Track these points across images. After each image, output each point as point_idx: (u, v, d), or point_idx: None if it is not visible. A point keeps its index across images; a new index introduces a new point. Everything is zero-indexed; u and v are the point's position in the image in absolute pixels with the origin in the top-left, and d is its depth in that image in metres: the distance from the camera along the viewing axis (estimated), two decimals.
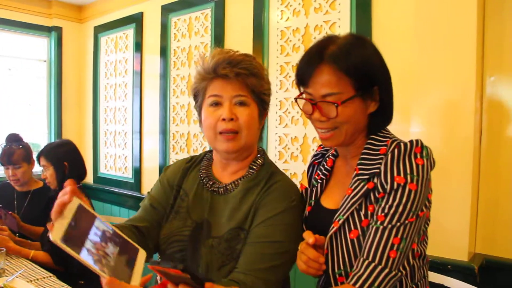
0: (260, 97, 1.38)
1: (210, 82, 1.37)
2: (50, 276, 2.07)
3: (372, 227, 1.15)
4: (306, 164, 2.79)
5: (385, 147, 1.21)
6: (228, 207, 1.35)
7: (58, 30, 4.84)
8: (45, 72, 4.91)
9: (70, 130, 4.95)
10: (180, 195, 1.45)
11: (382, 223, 1.13)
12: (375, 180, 1.18)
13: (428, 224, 1.29)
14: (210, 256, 1.30)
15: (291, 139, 2.89)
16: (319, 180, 1.38)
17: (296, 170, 2.87)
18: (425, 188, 1.14)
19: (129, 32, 4.28)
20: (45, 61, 4.91)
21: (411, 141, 1.18)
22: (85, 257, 0.96)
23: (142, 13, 4.11)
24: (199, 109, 1.44)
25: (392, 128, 2.36)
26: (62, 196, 1.02)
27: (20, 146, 2.98)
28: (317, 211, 1.33)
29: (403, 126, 2.33)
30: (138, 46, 4.14)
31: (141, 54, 4.11)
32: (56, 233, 0.94)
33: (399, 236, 1.12)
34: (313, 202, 1.36)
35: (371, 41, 1.27)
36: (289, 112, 2.89)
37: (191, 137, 3.58)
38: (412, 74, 2.28)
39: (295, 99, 1.29)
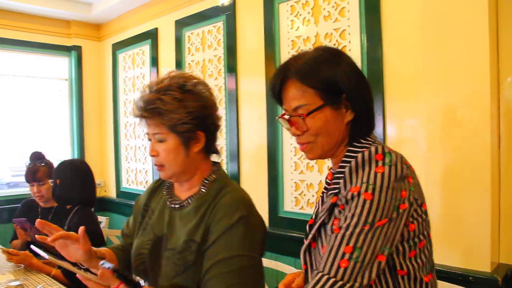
0: (176, 129, 1.40)
1: None
2: None
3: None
4: (323, 174, 2.75)
5: None
6: (182, 222, 1.45)
7: (77, 49, 4.94)
8: (67, 90, 5.01)
9: (92, 146, 5.04)
10: (148, 214, 1.60)
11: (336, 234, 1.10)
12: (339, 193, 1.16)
13: (420, 239, 1.16)
14: (166, 267, 1.42)
15: None
16: (321, 194, 1.38)
17: (312, 180, 2.82)
18: (387, 197, 1.07)
19: (145, 48, 4.32)
20: (66, 79, 5.01)
21: (370, 149, 1.13)
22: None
23: (156, 28, 4.14)
24: None
25: (403, 135, 2.31)
26: None
27: (43, 164, 3.03)
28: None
29: (416, 133, 2.28)
30: (154, 61, 4.18)
31: (157, 69, 4.14)
32: None
33: (351, 244, 1.06)
34: (313, 216, 1.35)
35: (342, 53, 1.27)
36: None
37: None
38: (423, 78, 2.23)
39: (278, 118, 1.30)
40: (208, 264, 1.35)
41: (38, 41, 4.73)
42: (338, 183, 1.18)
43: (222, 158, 3.47)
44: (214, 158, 1.58)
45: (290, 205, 2.97)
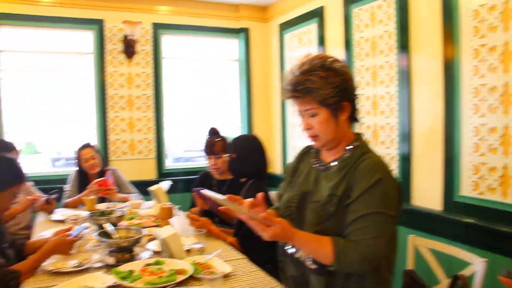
0: (325, 103, 1.61)
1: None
2: (243, 259, 2.23)
3: None
4: (509, 156, 2.51)
5: None
6: (327, 180, 1.69)
7: (245, 31, 5.19)
8: (237, 71, 5.31)
9: (259, 123, 5.29)
10: (296, 174, 1.85)
11: None
12: None
13: None
14: (311, 216, 1.67)
15: (489, 130, 2.62)
16: None
17: (495, 164, 2.59)
18: None
19: (312, 27, 4.35)
20: (236, 60, 5.30)
21: None
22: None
23: (323, 7, 4.14)
24: None
25: None
26: None
27: (220, 139, 3.25)
28: None
29: None
30: (321, 40, 4.18)
31: (325, 48, 4.14)
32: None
33: None
34: None
35: None
36: (486, 100, 2.62)
37: (378, 129, 3.49)
38: None
39: None
40: (351, 218, 1.56)
41: (210, 25, 5.09)
42: None
43: (393, 138, 3.37)
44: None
45: (467, 190, 2.78)
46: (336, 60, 1.66)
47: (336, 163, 1.70)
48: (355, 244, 1.53)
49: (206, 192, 1.72)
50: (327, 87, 1.59)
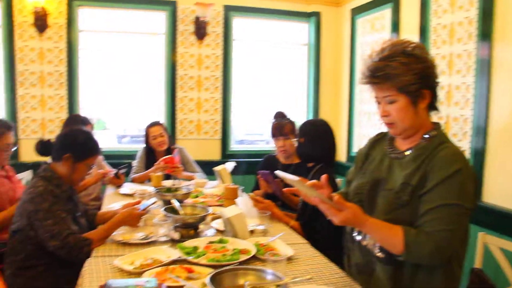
0: (405, 90, 1.56)
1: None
2: (305, 243, 2.22)
3: None
4: None
5: None
6: (401, 168, 1.65)
7: (316, 15, 5.10)
8: (306, 55, 5.26)
9: (326, 109, 5.22)
10: (368, 160, 1.84)
11: None
12: None
13: None
14: (382, 204, 1.65)
15: None
16: None
17: None
18: None
19: (386, 12, 4.21)
20: (306, 44, 5.25)
21: None
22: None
23: None
24: None
25: None
26: None
27: (288, 121, 3.25)
28: None
29: None
30: (395, 26, 4.04)
31: (398, 34, 4.00)
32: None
33: None
34: None
35: None
36: None
37: (451, 121, 3.34)
38: None
39: None
40: (425, 208, 1.52)
41: (281, 9, 5.05)
42: None
43: (466, 130, 3.22)
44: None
45: None
46: (418, 46, 1.62)
47: (411, 151, 1.66)
48: (428, 235, 1.49)
49: (279, 172, 1.72)
50: (407, 74, 1.55)
